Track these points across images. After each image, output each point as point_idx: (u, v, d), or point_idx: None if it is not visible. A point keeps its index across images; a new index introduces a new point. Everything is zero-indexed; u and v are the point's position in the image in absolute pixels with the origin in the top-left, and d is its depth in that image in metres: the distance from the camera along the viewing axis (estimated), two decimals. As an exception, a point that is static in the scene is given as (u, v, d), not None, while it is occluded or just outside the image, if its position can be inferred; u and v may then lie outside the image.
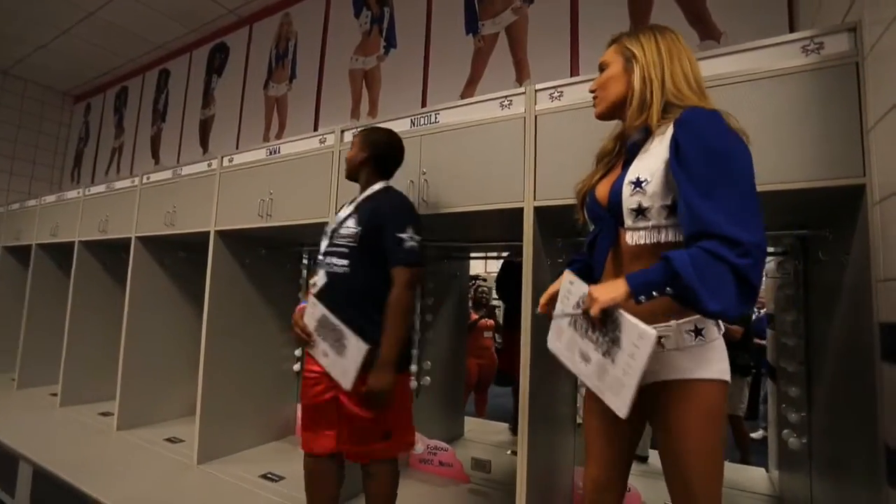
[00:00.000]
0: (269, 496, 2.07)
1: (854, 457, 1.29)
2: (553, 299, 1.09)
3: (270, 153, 2.34)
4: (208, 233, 2.50)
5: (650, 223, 0.97)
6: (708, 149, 0.87)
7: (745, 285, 0.80)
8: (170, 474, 2.28)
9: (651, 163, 0.96)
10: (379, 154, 1.60)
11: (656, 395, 0.98)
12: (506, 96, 1.70)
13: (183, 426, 2.94)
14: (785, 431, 1.73)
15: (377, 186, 1.58)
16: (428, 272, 2.54)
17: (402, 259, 1.42)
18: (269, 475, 2.28)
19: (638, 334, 0.84)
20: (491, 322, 4.04)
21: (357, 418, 1.45)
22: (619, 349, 0.87)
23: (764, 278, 2.56)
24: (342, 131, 2.10)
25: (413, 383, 2.45)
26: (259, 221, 2.28)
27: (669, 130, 0.94)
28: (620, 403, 0.88)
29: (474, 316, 3.81)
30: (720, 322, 0.98)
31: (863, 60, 1.20)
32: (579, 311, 0.95)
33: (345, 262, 1.49)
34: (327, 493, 1.58)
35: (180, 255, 3.12)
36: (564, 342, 1.02)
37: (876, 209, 1.15)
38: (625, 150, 1.08)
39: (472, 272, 3.43)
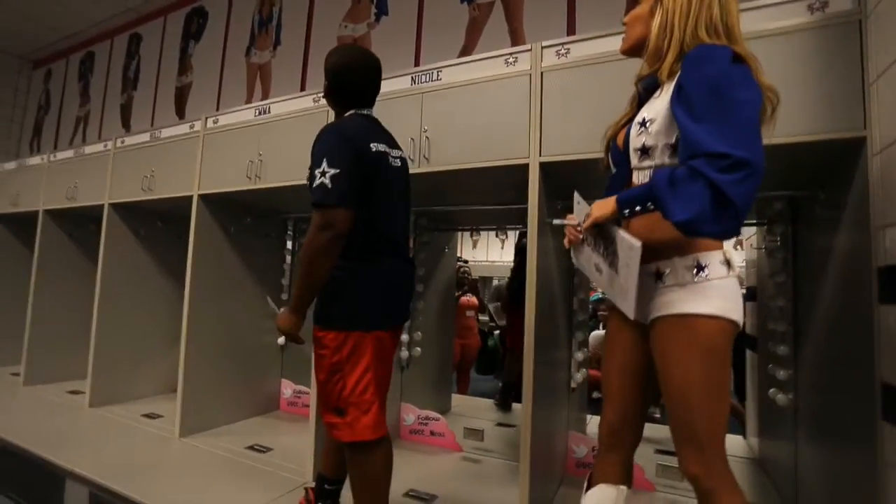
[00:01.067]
0: (258, 465, 2.01)
1: (842, 405, 1.34)
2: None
3: (259, 113, 2.24)
4: (191, 197, 2.38)
5: (654, 162, 0.98)
6: (706, 81, 0.85)
7: (722, 199, 0.78)
8: (151, 446, 2.19)
9: (658, 104, 0.98)
10: (332, 82, 1.40)
11: (658, 330, 0.99)
12: (511, 53, 1.68)
13: (161, 403, 2.83)
14: (772, 390, 1.80)
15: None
16: (419, 242, 2.52)
17: (313, 199, 1.24)
18: (256, 446, 2.22)
19: (628, 246, 0.92)
20: (475, 300, 4.02)
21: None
22: (618, 260, 0.96)
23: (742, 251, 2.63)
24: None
25: (404, 353, 2.43)
26: (248, 184, 2.19)
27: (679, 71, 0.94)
28: (627, 307, 0.97)
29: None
30: (731, 262, 0.98)
31: (865, 18, 1.24)
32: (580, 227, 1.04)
33: None
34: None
35: (158, 224, 2.98)
36: (584, 256, 1.10)
37: (876, 159, 1.19)
38: (639, 93, 1.09)
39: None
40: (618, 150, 1.09)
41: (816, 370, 1.57)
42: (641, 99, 1.07)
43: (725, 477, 0.93)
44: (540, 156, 1.57)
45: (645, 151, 0.99)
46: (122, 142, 2.81)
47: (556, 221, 1.13)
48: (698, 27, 0.95)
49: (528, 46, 1.65)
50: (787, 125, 1.26)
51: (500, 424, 2.64)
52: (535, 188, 1.57)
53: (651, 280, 1.00)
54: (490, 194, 2.11)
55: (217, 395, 2.49)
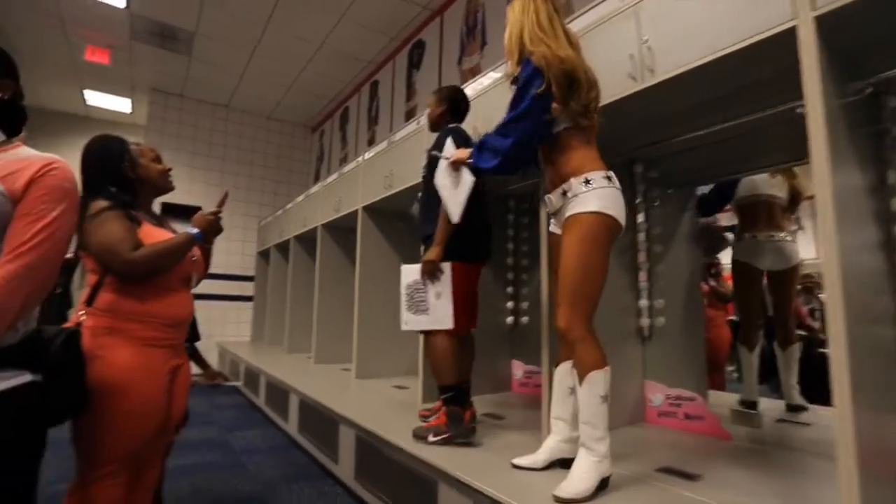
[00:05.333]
0: (489, 423, 1.99)
1: None
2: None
3: (476, 94, 2.35)
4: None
5: None
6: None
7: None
8: (397, 409, 2.40)
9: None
10: (451, 104, 2.03)
11: (564, 228, 1.41)
12: None
13: (409, 380, 3.11)
14: None
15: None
16: (651, 198, 2.21)
17: None
18: (491, 414, 2.22)
19: (467, 178, 1.63)
20: (705, 287, 3.26)
21: None
22: (458, 182, 1.65)
23: None
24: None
25: (645, 321, 2.13)
26: (465, 157, 2.30)
27: None
28: (455, 213, 1.65)
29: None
30: (611, 177, 1.39)
31: None
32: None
33: None
34: None
35: (397, 224, 3.41)
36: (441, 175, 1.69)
37: None
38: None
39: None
40: None
41: None
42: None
43: (585, 332, 1.32)
44: (813, 9, 1.16)
45: None
46: (369, 155, 3.34)
47: (443, 155, 1.68)
48: (528, 27, 1.46)
49: None
50: None
51: (781, 420, 2.07)
52: (812, 64, 1.15)
53: (561, 198, 1.43)
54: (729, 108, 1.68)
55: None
